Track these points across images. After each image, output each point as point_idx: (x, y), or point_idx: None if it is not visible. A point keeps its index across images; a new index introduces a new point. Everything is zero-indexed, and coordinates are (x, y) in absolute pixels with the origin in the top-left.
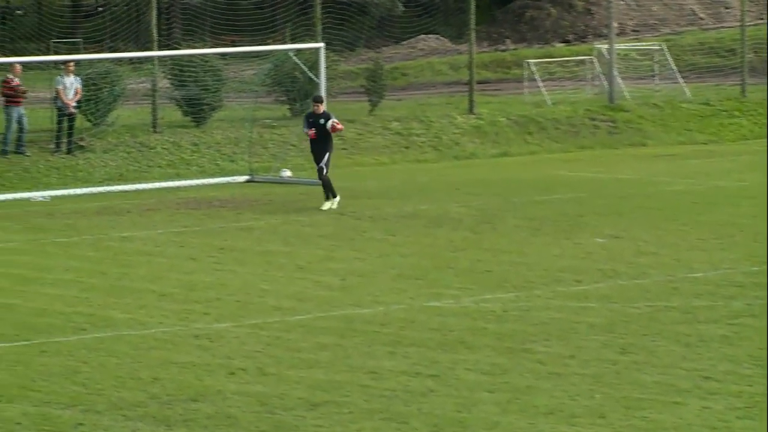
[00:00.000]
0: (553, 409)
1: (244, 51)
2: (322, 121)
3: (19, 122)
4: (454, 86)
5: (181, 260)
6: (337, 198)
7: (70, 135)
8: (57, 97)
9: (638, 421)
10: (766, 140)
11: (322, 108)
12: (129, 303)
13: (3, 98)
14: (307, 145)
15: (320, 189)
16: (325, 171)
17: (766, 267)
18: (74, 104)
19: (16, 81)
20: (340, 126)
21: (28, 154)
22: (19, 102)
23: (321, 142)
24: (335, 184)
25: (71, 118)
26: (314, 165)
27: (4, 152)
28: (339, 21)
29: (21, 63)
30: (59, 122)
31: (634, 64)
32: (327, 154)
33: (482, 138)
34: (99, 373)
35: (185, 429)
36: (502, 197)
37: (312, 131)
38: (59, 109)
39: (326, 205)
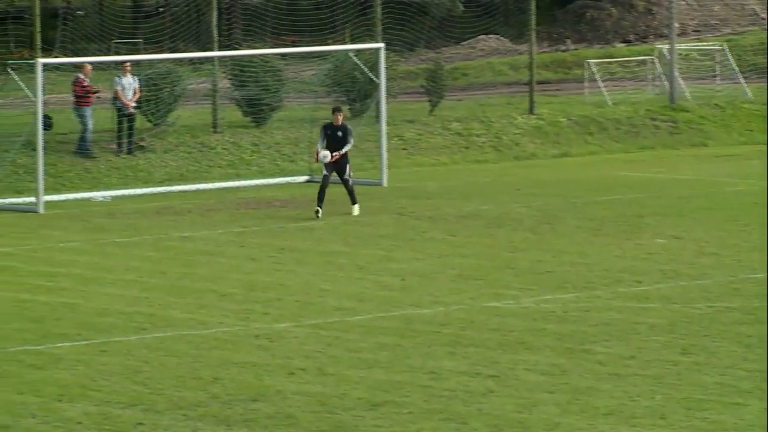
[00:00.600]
0: (614, 410)
1: (304, 51)
2: (340, 133)
3: (90, 122)
4: (515, 86)
5: (242, 260)
6: (357, 205)
7: (130, 135)
8: (116, 98)
9: (699, 422)
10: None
11: (341, 118)
12: (189, 303)
13: (74, 98)
14: (367, 145)
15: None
16: (350, 182)
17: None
18: (133, 104)
19: (87, 81)
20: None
21: (94, 155)
22: (89, 102)
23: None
24: (394, 183)
25: (131, 118)
26: (373, 165)
27: (85, 151)
28: (399, 21)
29: (83, 63)
30: (119, 123)
31: (695, 65)
32: (348, 165)
33: (542, 138)
34: (159, 373)
35: (245, 429)
36: (562, 198)
37: (331, 157)
38: (119, 109)
39: (356, 210)
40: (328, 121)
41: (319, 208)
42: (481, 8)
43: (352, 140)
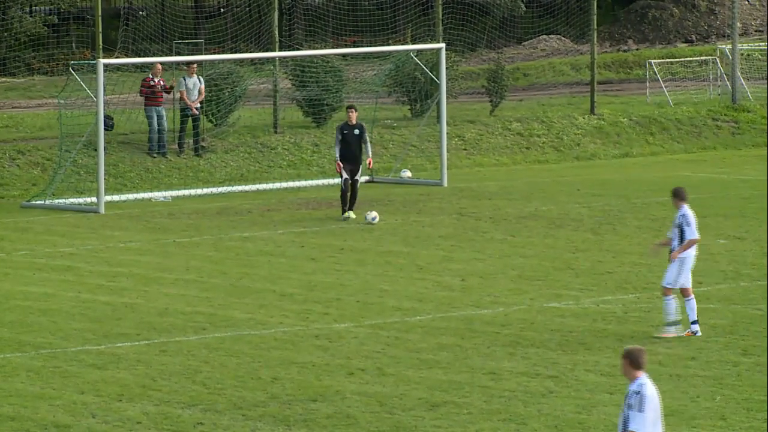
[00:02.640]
0: (674, 410)
1: (365, 51)
2: (357, 131)
3: (159, 122)
4: (576, 87)
5: (302, 260)
6: (350, 213)
7: (195, 135)
8: (181, 98)
9: (759, 423)
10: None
11: (355, 116)
12: (249, 303)
13: (143, 98)
14: (427, 145)
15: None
16: (358, 183)
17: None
18: (197, 105)
19: (157, 80)
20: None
21: (166, 154)
22: (158, 102)
23: (356, 154)
24: (454, 184)
25: (195, 118)
26: (434, 165)
27: (149, 152)
28: (460, 21)
29: (152, 63)
30: (182, 123)
31: (757, 65)
32: (361, 166)
33: (604, 138)
34: (219, 373)
35: (305, 429)
36: (623, 198)
37: (339, 167)
38: (182, 110)
39: (352, 214)
40: (343, 122)
41: (347, 211)
42: (543, 8)
43: (368, 138)
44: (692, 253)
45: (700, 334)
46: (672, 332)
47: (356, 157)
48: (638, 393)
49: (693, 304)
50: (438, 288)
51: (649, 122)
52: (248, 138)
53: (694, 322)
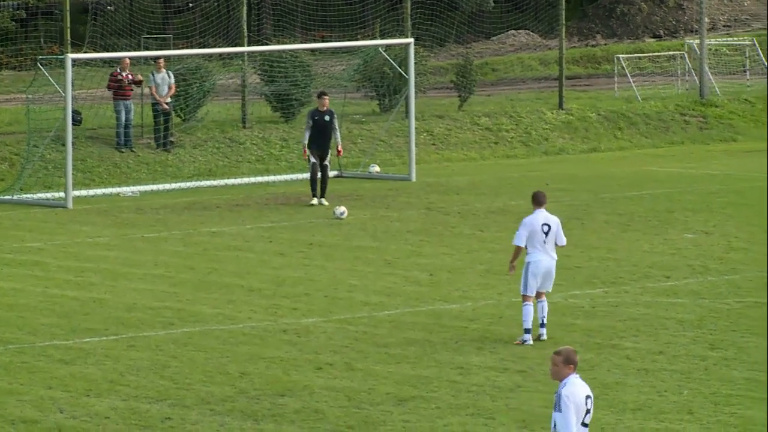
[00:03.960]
0: (642, 405)
1: (334, 46)
2: (327, 117)
3: (126, 117)
4: (544, 82)
5: (270, 255)
6: (323, 200)
7: (166, 130)
8: (151, 95)
9: (727, 417)
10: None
11: (327, 102)
12: (218, 298)
13: (112, 93)
14: (396, 140)
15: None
16: (329, 168)
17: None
18: (168, 100)
19: (125, 74)
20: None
21: (133, 149)
22: (127, 96)
23: (326, 139)
24: (423, 178)
25: (166, 113)
26: (402, 160)
27: (117, 146)
28: (429, 16)
29: (113, 59)
30: (155, 119)
31: (725, 60)
32: (330, 152)
33: (572, 133)
34: (187, 368)
35: (273, 424)
36: (591, 193)
37: (306, 154)
38: (152, 106)
39: (325, 201)
40: (313, 108)
41: (317, 198)
42: (511, 3)
43: (338, 126)
44: (531, 259)
45: (530, 343)
46: (528, 339)
47: (326, 143)
48: (558, 394)
49: (530, 309)
50: (406, 283)
51: (617, 117)
52: (217, 133)
53: (527, 331)
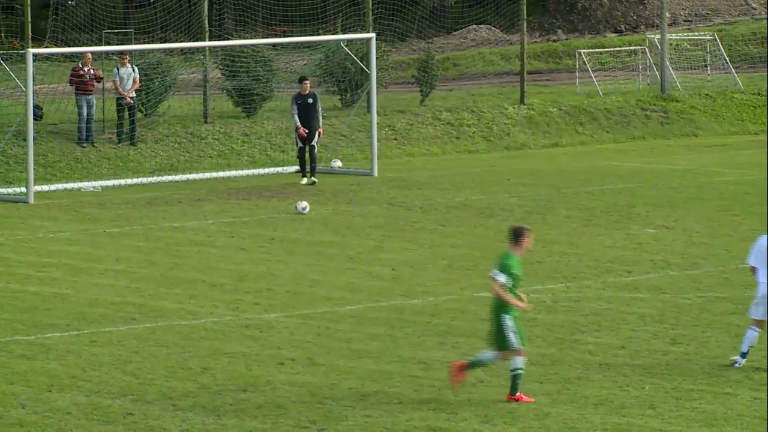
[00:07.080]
0: (603, 399)
1: (295, 41)
2: (310, 100)
3: (88, 111)
4: (506, 77)
5: (232, 250)
6: (313, 179)
7: (131, 124)
8: (115, 89)
9: (688, 412)
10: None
11: (309, 86)
12: (179, 293)
13: (73, 88)
14: (357, 135)
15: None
16: (316, 149)
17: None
18: (132, 94)
19: (87, 69)
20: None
21: (94, 143)
22: (89, 91)
23: (312, 120)
24: (385, 173)
25: (131, 107)
26: (364, 155)
27: (78, 141)
28: (390, 11)
29: (74, 53)
30: (119, 113)
31: (686, 55)
32: (317, 133)
33: (533, 128)
34: (149, 363)
35: (235, 419)
36: (553, 188)
37: (303, 131)
38: (117, 100)
39: (305, 180)
40: (296, 93)
41: (305, 176)
42: None
43: (320, 107)
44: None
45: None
46: None
47: (312, 124)
48: None
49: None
50: (368, 278)
51: (578, 112)
52: (178, 128)
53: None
